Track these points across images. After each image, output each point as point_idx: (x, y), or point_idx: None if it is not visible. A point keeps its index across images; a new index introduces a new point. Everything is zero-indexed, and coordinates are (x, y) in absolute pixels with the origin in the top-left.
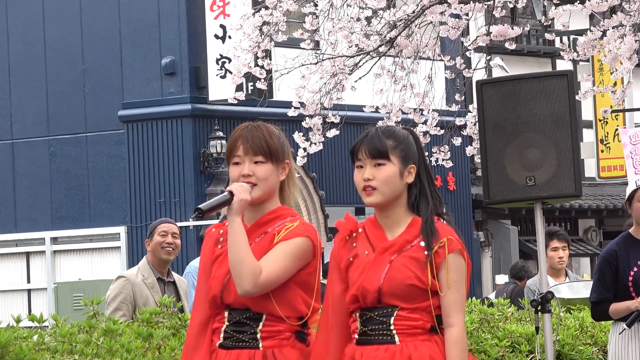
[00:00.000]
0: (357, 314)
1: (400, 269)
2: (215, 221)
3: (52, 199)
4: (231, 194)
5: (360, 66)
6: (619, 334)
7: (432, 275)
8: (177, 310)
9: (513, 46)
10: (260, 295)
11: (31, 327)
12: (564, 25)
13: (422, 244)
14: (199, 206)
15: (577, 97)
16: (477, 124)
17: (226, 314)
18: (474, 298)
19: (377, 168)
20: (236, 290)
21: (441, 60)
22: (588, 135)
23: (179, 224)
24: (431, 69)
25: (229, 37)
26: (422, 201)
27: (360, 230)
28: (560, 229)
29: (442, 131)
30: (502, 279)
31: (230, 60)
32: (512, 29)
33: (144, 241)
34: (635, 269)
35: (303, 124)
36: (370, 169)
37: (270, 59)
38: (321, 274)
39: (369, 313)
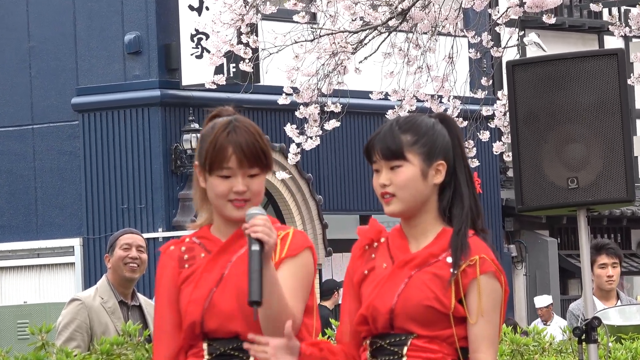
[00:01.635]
0: (368, 342)
1: (419, 287)
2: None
3: None
4: (261, 244)
5: (365, 44)
6: None
7: (457, 299)
8: (144, 339)
9: (552, 19)
10: (255, 321)
11: None
12: None
13: (450, 259)
14: (254, 299)
15: (629, 81)
16: (507, 114)
17: (205, 345)
18: (503, 325)
19: (394, 171)
20: (221, 316)
21: (464, 36)
22: None
23: (146, 235)
24: (452, 47)
25: (207, 8)
26: (457, 205)
27: (382, 240)
28: (609, 241)
29: (466, 123)
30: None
31: (207, 36)
32: None
33: (103, 256)
34: None
35: (296, 114)
36: (387, 173)
37: (257, 35)
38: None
39: (380, 341)
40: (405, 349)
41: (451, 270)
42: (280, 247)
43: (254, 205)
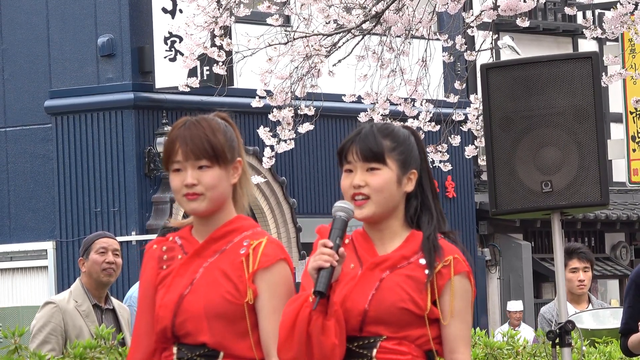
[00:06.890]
0: None
1: (393, 289)
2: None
3: None
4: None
5: (339, 47)
6: None
7: (432, 300)
8: (117, 343)
9: (526, 23)
10: (225, 329)
11: None
12: None
13: (422, 261)
14: (319, 289)
15: (602, 83)
16: (481, 117)
17: (175, 349)
18: (477, 329)
19: (371, 173)
20: (190, 320)
21: (438, 39)
22: (617, 131)
23: (119, 238)
24: (425, 50)
25: (180, 10)
26: (425, 216)
27: (346, 241)
28: (582, 245)
29: (439, 127)
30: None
31: (181, 39)
32: (525, 1)
33: (77, 260)
34: None
35: (270, 116)
36: (362, 174)
37: (230, 38)
38: None
39: (348, 344)
40: (375, 351)
41: (426, 272)
42: (253, 258)
43: (211, 200)
